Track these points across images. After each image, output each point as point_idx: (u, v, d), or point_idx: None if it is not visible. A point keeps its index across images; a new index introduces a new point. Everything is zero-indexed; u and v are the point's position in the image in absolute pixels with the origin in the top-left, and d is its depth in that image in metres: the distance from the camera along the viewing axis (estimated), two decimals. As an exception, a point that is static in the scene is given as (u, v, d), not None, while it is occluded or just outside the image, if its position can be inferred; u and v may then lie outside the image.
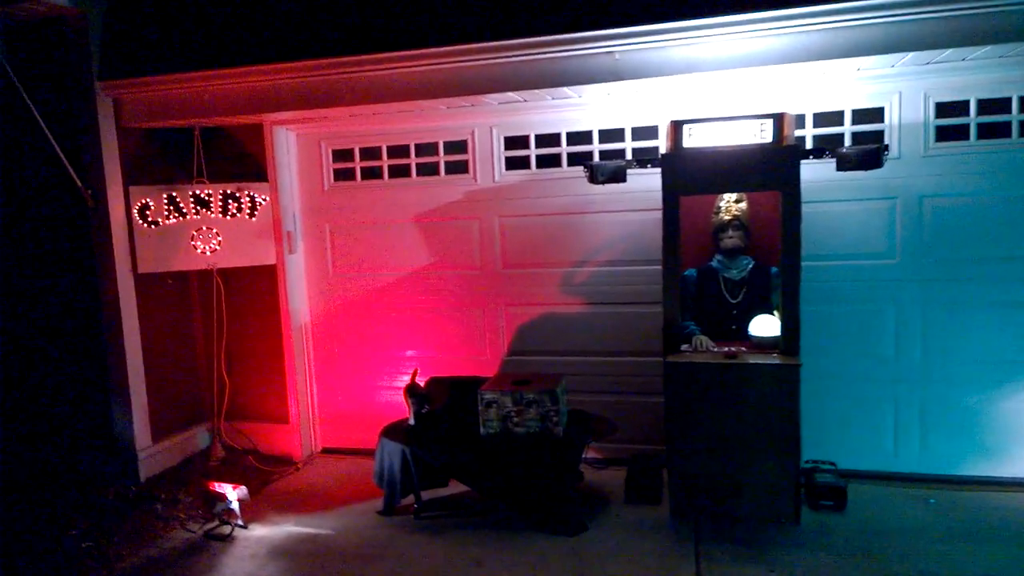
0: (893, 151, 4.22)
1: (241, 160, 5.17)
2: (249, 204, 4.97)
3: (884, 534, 3.77)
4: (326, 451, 5.49)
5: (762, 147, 3.74)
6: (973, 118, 4.19)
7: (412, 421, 4.35)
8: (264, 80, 4.56)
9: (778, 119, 3.73)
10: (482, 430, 4.14)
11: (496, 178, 4.94)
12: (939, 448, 4.40)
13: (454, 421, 4.35)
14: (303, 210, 5.33)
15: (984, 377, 4.29)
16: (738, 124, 3.78)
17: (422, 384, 4.55)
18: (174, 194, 4.83)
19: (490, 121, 4.88)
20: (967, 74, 4.09)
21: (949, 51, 3.71)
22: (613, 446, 4.74)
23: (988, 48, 3.68)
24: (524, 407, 4.06)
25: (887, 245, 4.37)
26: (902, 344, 4.41)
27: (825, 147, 3.96)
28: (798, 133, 4.33)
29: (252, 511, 4.38)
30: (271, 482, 4.92)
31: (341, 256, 5.32)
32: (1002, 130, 4.17)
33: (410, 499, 4.28)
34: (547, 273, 4.91)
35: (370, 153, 5.20)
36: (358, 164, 5.23)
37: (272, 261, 5.14)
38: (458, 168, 5.03)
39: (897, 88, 4.23)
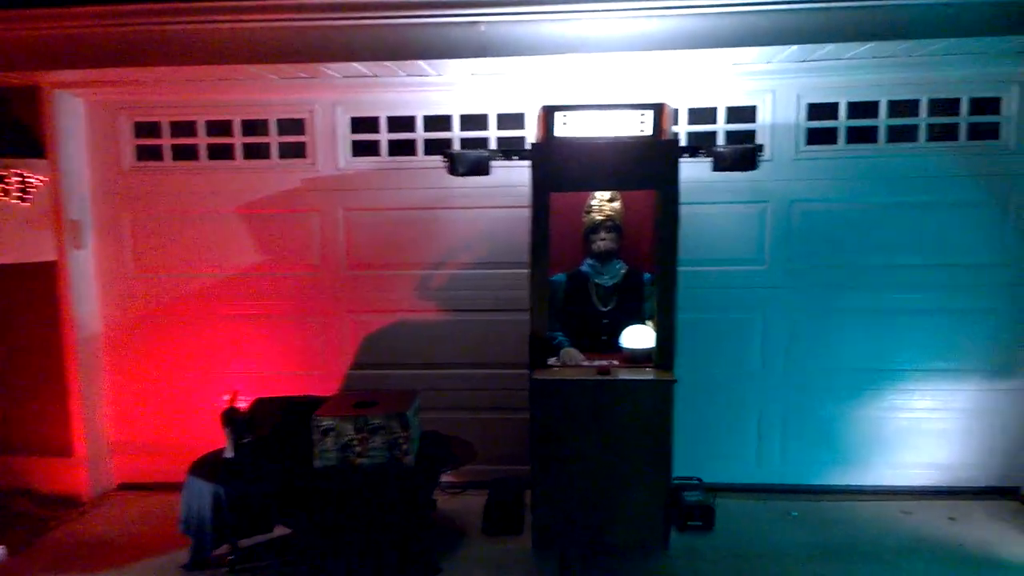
0: (766, 153, 4.11)
1: (11, 131, 4.21)
2: (19, 186, 4.02)
3: (753, 557, 3.68)
4: (125, 487, 4.64)
5: (641, 140, 3.52)
6: (843, 121, 4.21)
7: (230, 453, 3.63)
8: (42, 29, 3.74)
9: (658, 110, 3.52)
10: (317, 462, 3.51)
11: (340, 165, 4.39)
12: (799, 458, 4.42)
13: (285, 451, 3.70)
14: (95, 195, 4.46)
15: (843, 385, 4.35)
16: (616, 113, 3.55)
17: (245, 407, 3.84)
18: (-87, 169, 3.79)
19: (333, 98, 4.33)
20: (840, 75, 4.08)
21: (830, 46, 3.65)
22: (472, 467, 4.30)
23: (870, 46, 3.64)
24: (368, 434, 3.49)
25: (757, 251, 4.33)
26: (768, 353, 4.40)
27: (700, 145, 3.79)
28: (672, 129, 4.10)
29: (18, 571, 3.58)
30: (48, 531, 4.07)
31: (146, 252, 4.51)
32: (870, 135, 4.22)
33: (226, 547, 3.57)
34: (400, 275, 4.46)
35: (183, 129, 4.45)
36: (168, 141, 4.46)
37: (51, 257, 4.25)
38: (295, 151, 4.44)
39: (771, 87, 4.18)
